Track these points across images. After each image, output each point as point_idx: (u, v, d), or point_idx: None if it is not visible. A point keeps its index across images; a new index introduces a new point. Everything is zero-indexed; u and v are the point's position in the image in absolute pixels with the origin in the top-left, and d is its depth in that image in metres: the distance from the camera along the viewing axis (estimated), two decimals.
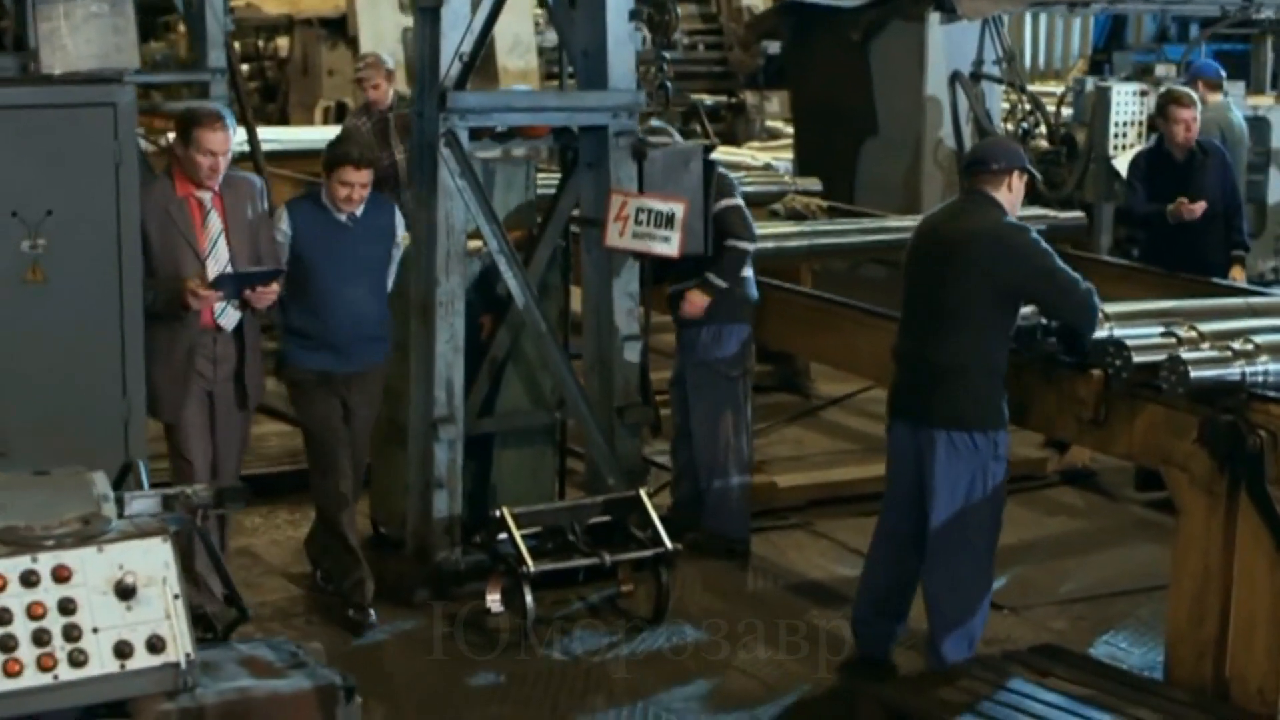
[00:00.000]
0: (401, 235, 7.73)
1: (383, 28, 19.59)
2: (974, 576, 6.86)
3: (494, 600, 7.64)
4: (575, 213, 8.31)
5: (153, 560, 3.93)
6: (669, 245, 7.93)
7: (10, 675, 3.73)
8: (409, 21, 19.24)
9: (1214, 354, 6.54)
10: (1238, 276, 9.92)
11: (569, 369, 8.13)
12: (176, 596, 3.91)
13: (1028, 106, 14.01)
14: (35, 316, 6.50)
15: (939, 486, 6.75)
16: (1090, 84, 13.50)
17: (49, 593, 3.83)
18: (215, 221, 7.15)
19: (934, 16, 14.30)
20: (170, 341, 7.09)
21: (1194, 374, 6.43)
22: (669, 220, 7.92)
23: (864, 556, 7.24)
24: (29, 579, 3.82)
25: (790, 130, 17.40)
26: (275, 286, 7.14)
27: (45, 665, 3.77)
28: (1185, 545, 6.67)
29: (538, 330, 7.98)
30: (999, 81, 14.57)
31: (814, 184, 12.32)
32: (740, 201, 8.52)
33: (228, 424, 7.33)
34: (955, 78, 14.29)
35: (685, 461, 8.68)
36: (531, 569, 7.41)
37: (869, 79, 15.03)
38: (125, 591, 3.87)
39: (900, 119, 14.84)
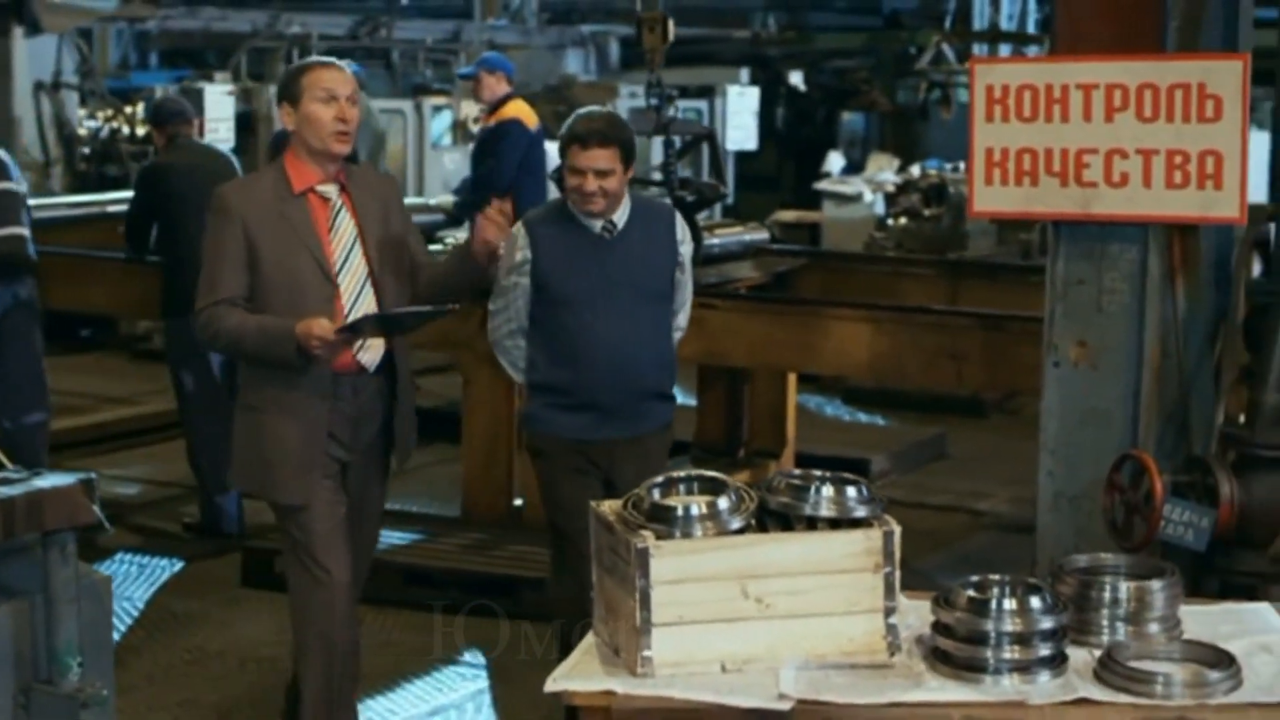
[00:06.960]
0: (687, 253, 5.95)
1: None
2: None
3: None
4: None
5: None
6: None
7: None
8: None
9: None
10: None
11: None
12: None
13: (109, 111, 15.34)
14: None
15: None
16: (160, 89, 15.06)
17: None
18: (347, 225, 5.30)
19: (18, 30, 15.16)
20: (290, 391, 5.22)
21: None
22: None
23: None
24: None
25: None
26: None
27: None
28: (472, 409, 8.46)
29: None
30: (79, 90, 15.72)
31: None
32: (14, 187, 7.96)
33: (363, 509, 5.49)
34: (39, 87, 15.29)
35: None
36: None
37: None
38: None
39: None
